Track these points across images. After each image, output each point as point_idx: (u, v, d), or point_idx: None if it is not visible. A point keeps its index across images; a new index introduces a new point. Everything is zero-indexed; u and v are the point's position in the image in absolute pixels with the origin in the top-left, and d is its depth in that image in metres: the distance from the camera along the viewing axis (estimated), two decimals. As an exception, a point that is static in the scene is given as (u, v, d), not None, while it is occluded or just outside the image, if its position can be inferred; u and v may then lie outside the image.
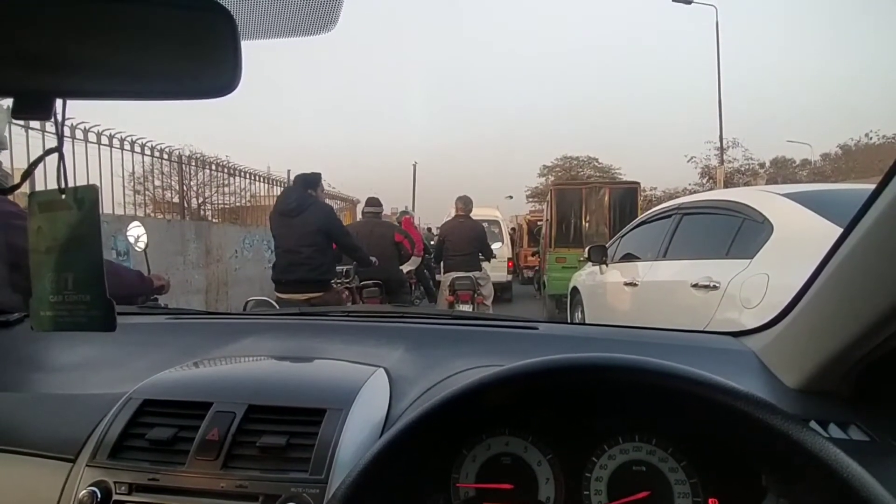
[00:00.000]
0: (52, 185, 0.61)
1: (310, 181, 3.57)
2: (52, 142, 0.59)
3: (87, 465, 0.67)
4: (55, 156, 0.60)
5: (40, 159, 0.61)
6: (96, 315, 0.60)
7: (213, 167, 7.43)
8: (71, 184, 0.60)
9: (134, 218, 5.18)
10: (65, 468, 0.68)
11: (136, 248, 1.99)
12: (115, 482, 0.64)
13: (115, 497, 0.64)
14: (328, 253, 3.51)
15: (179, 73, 0.53)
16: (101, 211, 0.60)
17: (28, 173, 0.62)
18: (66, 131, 4.69)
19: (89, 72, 0.52)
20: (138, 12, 0.49)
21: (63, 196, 0.60)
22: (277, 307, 2.28)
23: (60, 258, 0.60)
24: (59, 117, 0.57)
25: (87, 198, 0.59)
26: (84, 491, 0.63)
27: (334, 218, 3.69)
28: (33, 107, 0.54)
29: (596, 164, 27.84)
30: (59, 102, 0.55)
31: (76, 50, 0.50)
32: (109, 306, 0.60)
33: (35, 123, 4.00)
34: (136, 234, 1.97)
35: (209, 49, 0.51)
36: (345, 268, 3.97)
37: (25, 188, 0.71)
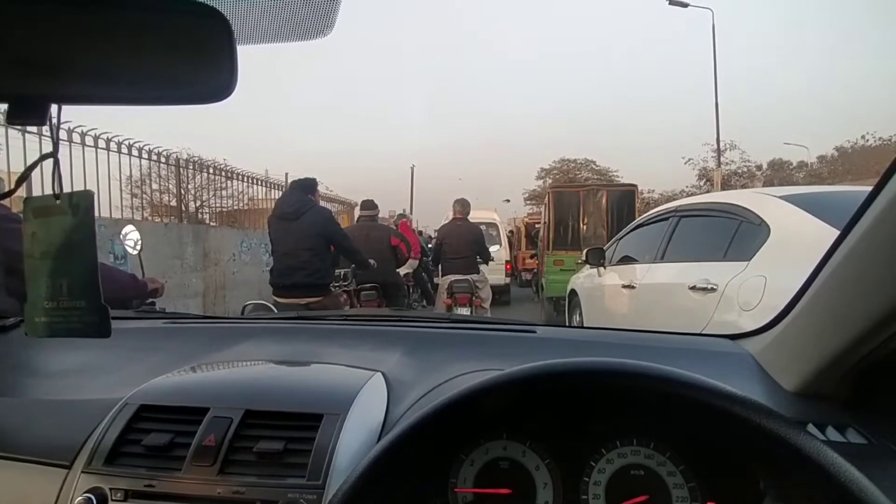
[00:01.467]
0: (49, 189, 0.60)
1: (307, 186, 3.57)
2: (49, 145, 0.59)
3: (82, 472, 0.66)
4: (51, 160, 0.60)
5: (35, 165, 0.61)
6: (91, 321, 0.60)
7: (211, 170, 7.42)
8: (68, 188, 0.60)
9: (131, 221, 5.17)
10: (60, 474, 0.67)
11: (131, 252, 1.98)
12: (110, 488, 0.64)
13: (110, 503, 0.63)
14: (326, 257, 3.51)
15: (175, 78, 0.53)
16: (98, 214, 0.60)
17: (23, 179, 0.62)
18: (63, 135, 4.68)
19: (84, 77, 0.52)
20: (134, 17, 0.49)
21: (58, 201, 0.59)
22: (276, 311, 2.28)
23: (55, 264, 0.60)
24: (55, 122, 0.57)
25: (81, 203, 0.59)
26: (80, 497, 0.63)
27: (333, 222, 3.69)
28: (28, 112, 0.54)
29: (593, 166, 27.95)
30: (54, 107, 0.55)
31: (71, 55, 0.50)
32: (104, 312, 0.60)
33: (32, 127, 4.00)
34: (132, 237, 1.96)
35: (205, 54, 0.51)
36: (342, 271, 3.97)
37: (22, 192, 0.71)
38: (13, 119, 0.54)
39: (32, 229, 0.61)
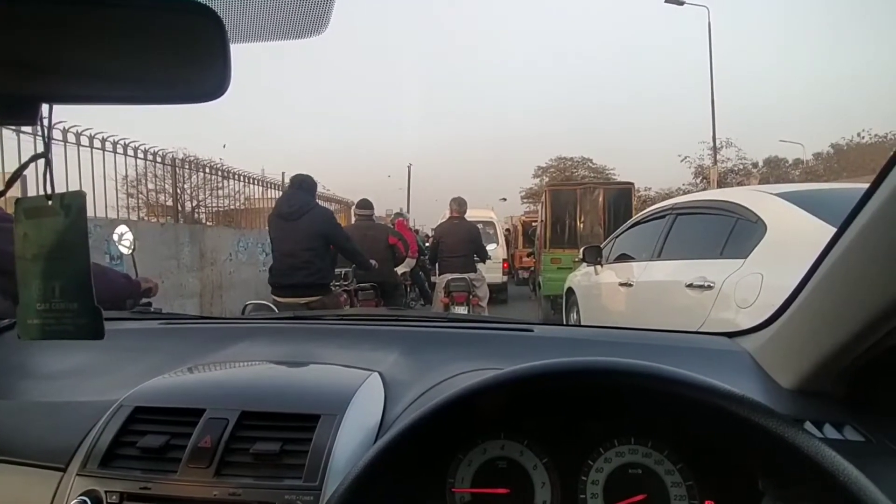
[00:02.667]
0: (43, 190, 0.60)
1: (308, 185, 3.55)
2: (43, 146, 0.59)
3: (77, 474, 0.66)
4: (43, 160, 0.59)
5: (26, 165, 0.60)
6: (84, 323, 0.59)
7: (207, 170, 7.38)
8: (63, 188, 0.59)
9: (127, 221, 5.15)
10: (55, 477, 0.67)
11: (125, 253, 1.98)
12: (105, 491, 0.64)
13: None
14: (327, 257, 3.50)
15: (168, 77, 0.53)
16: (94, 215, 0.60)
17: (13, 179, 0.61)
18: (58, 135, 4.63)
19: (76, 76, 0.52)
20: (125, 15, 0.49)
21: (50, 202, 0.59)
22: (276, 311, 2.27)
23: (47, 265, 0.59)
24: (46, 122, 0.56)
25: (74, 204, 0.58)
26: (75, 500, 0.63)
27: (334, 222, 3.67)
28: (19, 112, 0.53)
29: (590, 164, 27.98)
30: (45, 107, 0.55)
31: (62, 54, 0.50)
32: (97, 314, 0.59)
33: (27, 127, 3.96)
34: (126, 238, 1.95)
35: (198, 53, 0.50)
36: (342, 270, 3.97)
37: (18, 193, 0.70)
38: (3, 119, 0.53)
39: (24, 230, 0.60)
